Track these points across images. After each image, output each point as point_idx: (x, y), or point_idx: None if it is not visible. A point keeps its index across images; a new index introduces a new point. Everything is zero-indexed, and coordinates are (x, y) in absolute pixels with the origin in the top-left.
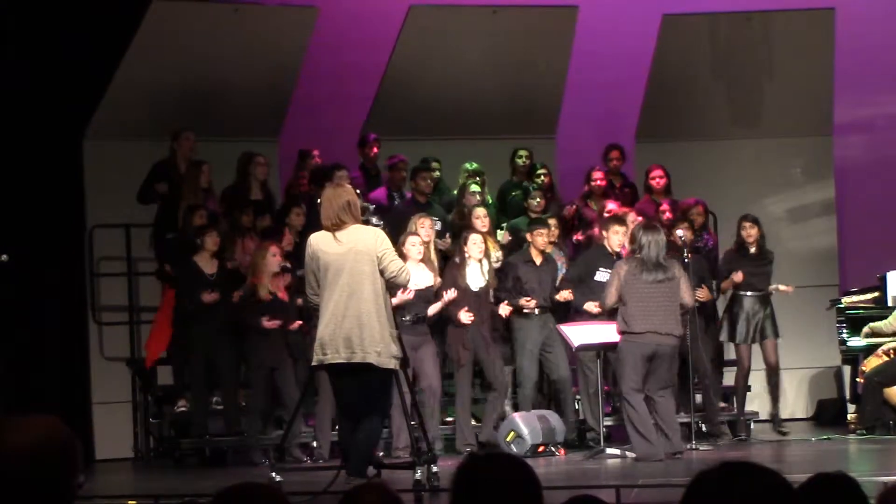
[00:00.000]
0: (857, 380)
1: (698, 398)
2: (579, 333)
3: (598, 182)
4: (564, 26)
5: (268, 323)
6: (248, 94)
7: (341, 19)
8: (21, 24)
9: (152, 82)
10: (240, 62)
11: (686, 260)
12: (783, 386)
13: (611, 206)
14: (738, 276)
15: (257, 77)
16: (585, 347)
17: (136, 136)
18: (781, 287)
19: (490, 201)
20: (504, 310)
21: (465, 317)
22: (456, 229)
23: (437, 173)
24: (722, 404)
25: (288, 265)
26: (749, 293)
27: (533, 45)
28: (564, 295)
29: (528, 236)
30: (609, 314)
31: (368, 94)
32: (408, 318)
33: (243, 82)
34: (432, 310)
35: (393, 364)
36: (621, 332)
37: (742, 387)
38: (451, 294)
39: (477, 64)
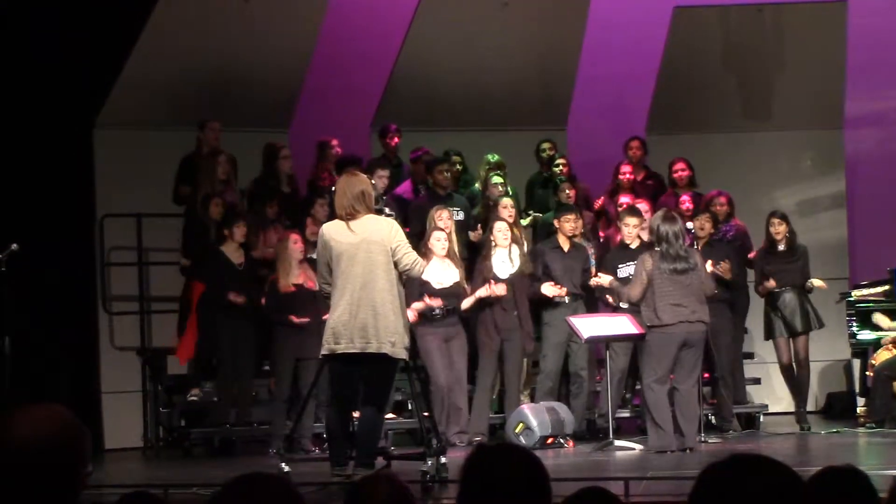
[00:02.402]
0: (867, 373)
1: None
2: (588, 325)
3: (627, 176)
4: (576, 18)
5: (297, 319)
6: (258, 84)
7: (352, 9)
8: (32, 12)
9: (163, 72)
10: (250, 52)
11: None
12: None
13: (623, 199)
14: (770, 284)
15: (268, 67)
16: (595, 339)
17: (147, 126)
18: (816, 282)
19: (511, 192)
20: (549, 290)
21: (499, 288)
22: (482, 222)
23: (459, 166)
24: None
25: (312, 256)
26: (784, 289)
27: (544, 36)
28: (597, 280)
29: (555, 223)
30: (629, 306)
31: (379, 84)
32: (437, 311)
33: (254, 72)
34: (465, 304)
35: (404, 355)
36: (650, 326)
37: (790, 377)
38: (483, 291)
39: (488, 55)
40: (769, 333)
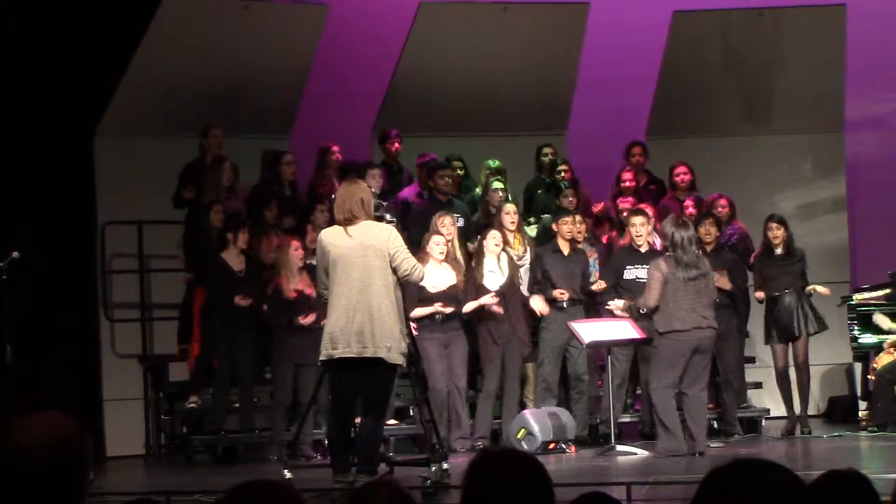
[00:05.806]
0: (869, 377)
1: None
2: (589, 330)
3: (629, 183)
4: (575, 22)
5: (303, 319)
6: (259, 91)
7: (352, 16)
8: (33, 20)
9: (163, 79)
10: (251, 59)
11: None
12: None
13: (624, 204)
14: (759, 295)
15: (268, 74)
16: (596, 344)
17: (148, 133)
18: (819, 288)
19: (510, 198)
20: (537, 304)
21: (489, 299)
22: (481, 227)
23: (461, 171)
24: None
25: (312, 262)
26: (782, 293)
27: (544, 41)
28: (600, 284)
29: (553, 226)
30: (637, 313)
31: (379, 91)
32: (439, 316)
33: (254, 79)
34: (468, 307)
35: (401, 360)
36: (663, 332)
37: (784, 384)
38: (487, 299)
39: (488, 61)
40: (768, 338)
